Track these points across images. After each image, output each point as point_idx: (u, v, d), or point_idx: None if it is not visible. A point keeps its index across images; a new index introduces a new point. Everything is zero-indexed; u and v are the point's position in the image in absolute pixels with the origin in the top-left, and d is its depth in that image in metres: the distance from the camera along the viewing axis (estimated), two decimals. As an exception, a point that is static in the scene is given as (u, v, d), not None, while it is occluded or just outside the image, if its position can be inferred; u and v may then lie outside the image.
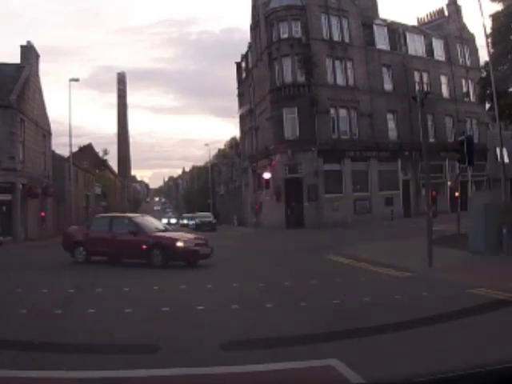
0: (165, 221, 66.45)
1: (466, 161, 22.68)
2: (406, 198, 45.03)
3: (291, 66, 41.57)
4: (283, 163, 40.62)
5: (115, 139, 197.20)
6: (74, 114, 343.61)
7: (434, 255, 14.03)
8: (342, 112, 42.62)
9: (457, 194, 31.30)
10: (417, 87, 47.44)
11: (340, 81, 43.16)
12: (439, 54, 50.32)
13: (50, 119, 42.58)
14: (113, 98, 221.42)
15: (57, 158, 46.79)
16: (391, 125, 45.37)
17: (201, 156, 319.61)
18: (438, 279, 11.93)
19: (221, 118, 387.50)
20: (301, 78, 41.40)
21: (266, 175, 38.96)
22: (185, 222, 67.27)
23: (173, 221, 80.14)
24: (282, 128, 41.18)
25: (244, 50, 56.90)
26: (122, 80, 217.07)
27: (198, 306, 8.90)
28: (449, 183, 47.77)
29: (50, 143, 42.34)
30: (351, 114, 42.92)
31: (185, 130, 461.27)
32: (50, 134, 42.11)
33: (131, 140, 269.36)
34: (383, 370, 4.81)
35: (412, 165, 45.29)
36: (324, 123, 41.01)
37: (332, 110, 41.90)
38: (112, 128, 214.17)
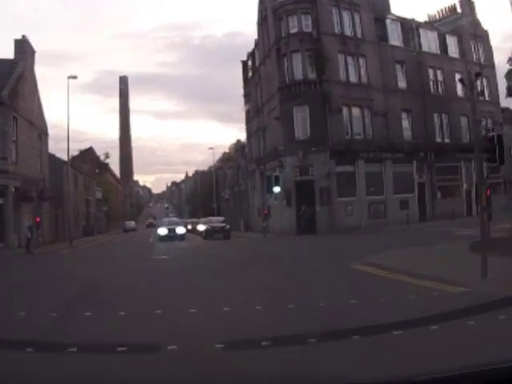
0: (163, 232, 39.86)
1: (498, 159, 20.50)
2: (421, 202, 42.84)
3: (301, 62, 39.36)
4: (294, 165, 38.38)
5: (117, 144, 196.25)
6: (77, 119, 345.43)
7: (475, 264, 11.96)
8: (355, 111, 40.41)
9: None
10: (431, 85, 45.63)
11: (353, 78, 40.95)
12: (453, 50, 48.30)
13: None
14: (116, 102, 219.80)
15: (55, 161, 44.66)
16: (405, 124, 43.23)
17: (203, 161, 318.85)
18: (502, 296, 9.62)
19: (224, 122, 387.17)
20: (312, 75, 39.17)
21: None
22: (188, 227, 63.56)
23: (180, 230, 41.41)
24: (292, 128, 38.87)
25: (246, 54, 55.08)
26: (124, 84, 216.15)
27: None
28: (464, 185, 45.66)
29: (46, 144, 40.19)
30: (364, 112, 40.73)
31: (187, 135, 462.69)
32: (46, 134, 39.98)
33: (134, 145, 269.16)
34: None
35: (427, 166, 43.13)
36: (336, 122, 38.78)
37: (345, 109, 39.68)
38: (114, 133, 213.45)
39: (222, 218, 47.97)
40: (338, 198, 37.98)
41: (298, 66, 39.46)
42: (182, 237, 39.58)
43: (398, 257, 16.92)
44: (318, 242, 29.25)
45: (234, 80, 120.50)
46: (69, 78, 37.93)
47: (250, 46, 54.28)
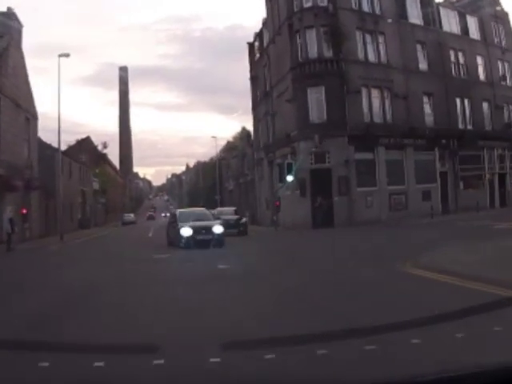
0: (187, 232, 22.84)
1: None
2: (444, 193, 39.41)
3: (316, 39, 35.73)
4: (308, 151, 34.84)
5: (118, 137, 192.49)
6: (77, 112, 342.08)
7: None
8: (374, 92, 36.91)
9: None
10: (453, 68, 42.26)
11: (371, 57, 37.43)
12: (474, 32, 44.96)
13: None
14: (117, 95, 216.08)
15: (46, 148, 41.09)
16: (427, 109, 39.80)
17: (205, 153, 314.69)
18: None
19: (226, 115, 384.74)
20: (327, 53, 35.61)
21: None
22: None
23: (217, 229, 23.44)
24: (307, 110, 35.25)
25: (253, 34, 51.62)
26: (123, 75, 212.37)
27: None
28: (487, 176, 42.37)
29: (35, 129, 36.47)
30: (384, 95, 37.24)
31: (188, 128, 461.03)
32: (35, 118, 36.26)
33: (134, 138, 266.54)
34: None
35: (449, 155, 39.72)
36: (355, 105, 35.28)
37: (363, 90, 36.17)
38: (115, 126, 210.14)
39: (233, 209, 38.93)
40: (357, 188, 34.55)
41: (313, 44, 35.81)
42: (221, 240, 22.59)
43: (453, 256, 13.43)
44: (341, 238, 25.76)
45: (235, 72, 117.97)
46: (60, 56, 34.51)
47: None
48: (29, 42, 42.58)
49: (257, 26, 46.86)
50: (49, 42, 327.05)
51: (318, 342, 5.29)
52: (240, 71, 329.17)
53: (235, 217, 34.36)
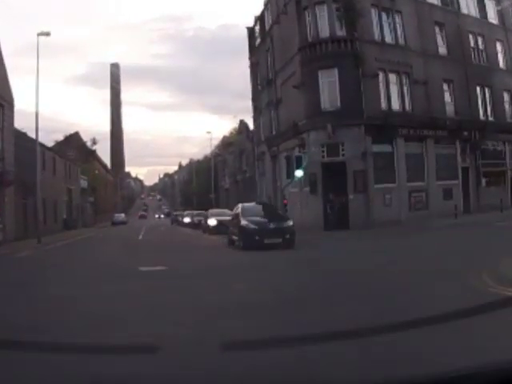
0: None
1: None
2: (465, 190, 35.64)
3: (328, 17, 31.66)
4: (320, 142, 30.90)
5: (109, 135, 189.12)
6: (68, 111, 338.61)
7: None
8: (392, 77, 32.98)
9: None
10: (472, 53, 38.59)
11: (388, 38, 33.51)
12: (492, 16, 41.22)
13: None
14: (109, 94, 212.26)
15: (26, 141, 36.80)
16: (447, 97, 35.98)
17: (197, 153, 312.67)
18: None
19: (219, 115, 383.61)
20: (341, 32, 31.50)
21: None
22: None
23: None
24: (318, 96, 31.08)
25: (253, 18, 47.82)
26: (115, 71, 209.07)
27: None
28: (509, 172, 38.72)
29: (11, 118, 32.28)
30: (403, 80, 33.35)
31: (181, 128, 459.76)
32: (11, 105, 32.11)
33: (126, 137, 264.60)
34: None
35: (471, 148, 35.96)
36: (371, 91, 31.23)
37: (380, 75, 32.30)
38: (107, 125, 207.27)
39: (259, 207, 25.82)
40: (374, 184, 30.63)
41: (324, 22, 31.76)
42: None
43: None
44: (363, 242, 21.89)
45: (229, 72, 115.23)
46: (39, 35, 30.54)
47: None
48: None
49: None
50: (40, 41, 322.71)
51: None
52: (234, 70, 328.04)
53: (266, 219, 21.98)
